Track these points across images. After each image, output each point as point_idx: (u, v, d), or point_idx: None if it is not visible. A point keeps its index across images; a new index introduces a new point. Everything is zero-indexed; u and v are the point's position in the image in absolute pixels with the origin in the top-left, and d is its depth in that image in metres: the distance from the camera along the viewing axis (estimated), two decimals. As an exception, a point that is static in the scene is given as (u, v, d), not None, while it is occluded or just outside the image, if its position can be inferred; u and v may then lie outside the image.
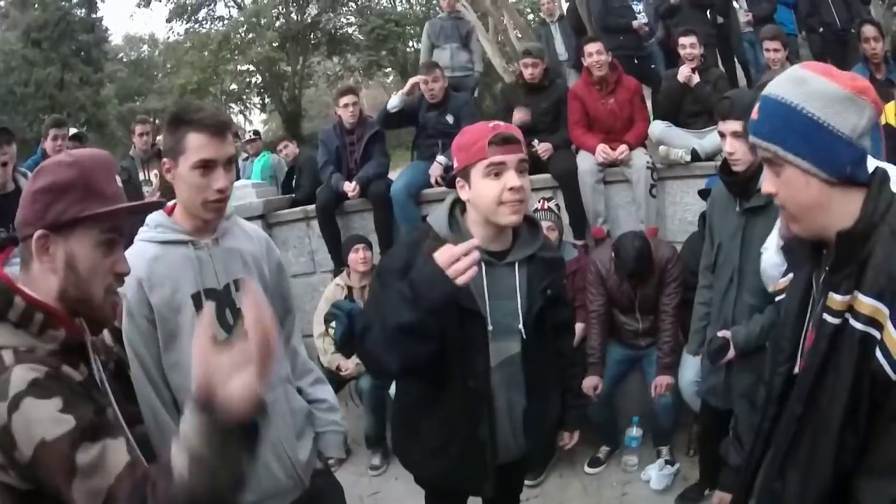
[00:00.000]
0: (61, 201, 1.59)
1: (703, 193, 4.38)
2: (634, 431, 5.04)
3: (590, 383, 4.76)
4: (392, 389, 5.12)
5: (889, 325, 1.46)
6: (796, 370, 1.74)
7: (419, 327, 2.25)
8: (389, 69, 33.19)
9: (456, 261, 2.17)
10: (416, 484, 2.99)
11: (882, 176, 1.60)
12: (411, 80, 6.41)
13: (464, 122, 6.11)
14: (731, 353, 3.60)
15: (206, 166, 2.25)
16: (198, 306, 2.29)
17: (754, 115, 1.65)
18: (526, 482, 4.70)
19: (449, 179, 2.75)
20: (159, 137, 7.46)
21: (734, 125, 3.33)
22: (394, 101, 6.40)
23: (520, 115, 6.11)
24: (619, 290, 4.79)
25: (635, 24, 8.15)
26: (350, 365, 5.34)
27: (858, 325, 1.53)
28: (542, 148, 6.02)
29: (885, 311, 1.47)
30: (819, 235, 1.65)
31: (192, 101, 3.50)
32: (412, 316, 2.23)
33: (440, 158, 6.16)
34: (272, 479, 2.42)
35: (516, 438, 2.68)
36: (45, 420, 1.41)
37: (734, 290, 3.66)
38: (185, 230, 2.34)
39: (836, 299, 1.59)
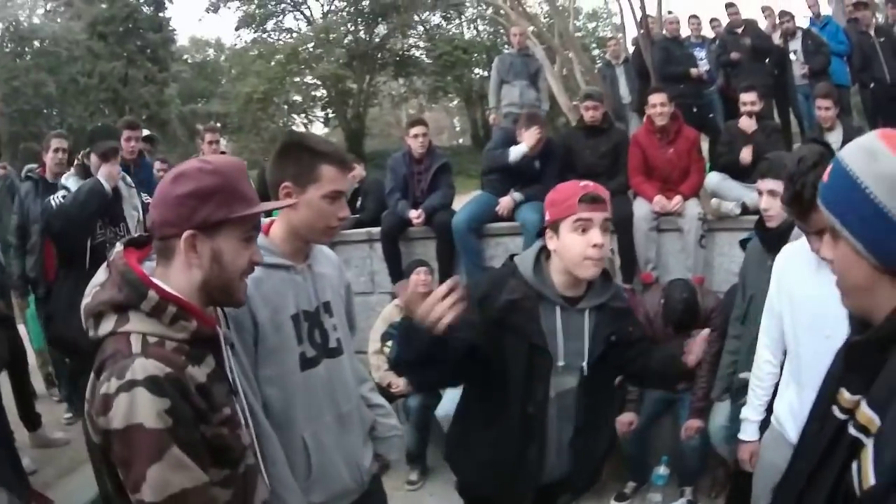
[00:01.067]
0: (208, 205, 1.77)
1: (744, 243, 4.46)
2: (662, 470, 5.19)
3: (626, 419, 4.99)
4: (438, 410, 5.39)
5: (870, 443, 1.41)
6: None
7: (421, 361, 2.43)
8: (453, 94, 33.49)
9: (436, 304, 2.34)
10: (448, 500, 3.26)
11: None
12: (535, 136, 6.31)
13: (549, 167, 6.42)
14: None
15: (335, 197, 2.46)
16: (296, 326, 2.49)
17: (825, 177, 1.54)
18: None
19: (539, 231, 2.88)
20: (224, 144, 7.82)
21: (771, 184, 3.51)
22: (516, 155, 6.40)
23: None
24: (663, 334, 4.97)
25: (694, 71, 8.33)
26: (401, 383, 5.59)
27: (852, 431, 1.48)
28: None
29: (877, 422, 1.41)
30: (865, 316, 1.55)
31: (310, 134, 3.60)
32: (411, 353, 2.43)
33: (515, 194, 6.36)
34: (341, 483, 2.63)
35: (560, 463, 2.90)
36: (149, 410, 1.61)
37: None
38: (284, 253, 2.54)
39: (846, 396, 1.55)
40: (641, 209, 6.00)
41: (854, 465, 1.42)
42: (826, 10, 9.98)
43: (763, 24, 9.77)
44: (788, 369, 3.12)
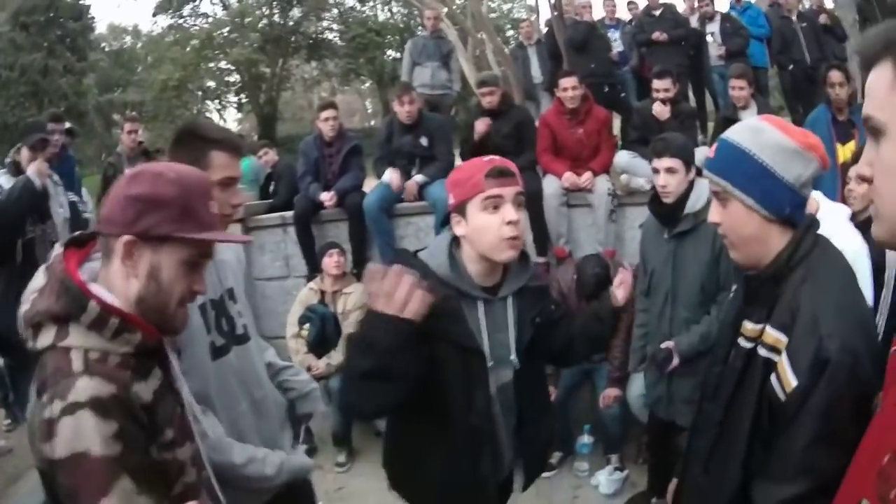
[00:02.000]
0: (156, 215, 1.63)
1: None
2: (585, 439, 5.32)
3: (543, 393, 5.05)
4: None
5: (784, 354, 1.67)
6: None
7: (379, 372, 2.10)
8: (366, 77, 33.35)
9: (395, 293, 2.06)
10: (378, 480, 2.99)
11: (809, 223, 1.83)
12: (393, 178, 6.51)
13: (438, 143, 6.50)
14: (676, 361, 3.93)
15: (227, 184, 2.38)
16: (203, 316, 2.43)
17: (711, 153, 1.89)
18: None
19: (444, 217, 2.59)
20: (140, 133, 7.69)
21: (669, 162, 3.80)
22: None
23: (480, 126, 6.42)
24: (578, 308, 5.03)
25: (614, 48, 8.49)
26: (321, 365, 5.60)
27: (763, 352, 1.76)
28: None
29: (785, 340, 1.69)
30: (754, 265, 1.86)
31: (204, 120, 3.49)
32: (369, 362, 2.09)
33: (417, 177, 6.44)
34: (298, 463, 2.64)
35: (511, 460, 2.75)
36: (95, 437, 1.46)
37: (669, 308, 4.01)
38: None
39: (749, 327, 1.85)
40: (551, 186, 6.10)
41: (773, 378, 1.67)
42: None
43: (681, 8, 9.94)
44: None
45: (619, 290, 2.77)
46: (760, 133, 1.82)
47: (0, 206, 4.77)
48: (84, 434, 1.46)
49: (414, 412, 2.45)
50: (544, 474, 5.16)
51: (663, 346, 4.00)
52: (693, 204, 3.83)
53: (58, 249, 1.70)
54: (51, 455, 1.47)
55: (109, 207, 1.66)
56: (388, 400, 2.24)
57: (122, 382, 1.56)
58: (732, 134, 1.86)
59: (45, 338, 1.59)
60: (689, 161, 3.88)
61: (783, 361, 1.66)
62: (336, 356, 5.60)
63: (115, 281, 1.66)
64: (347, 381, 2.32)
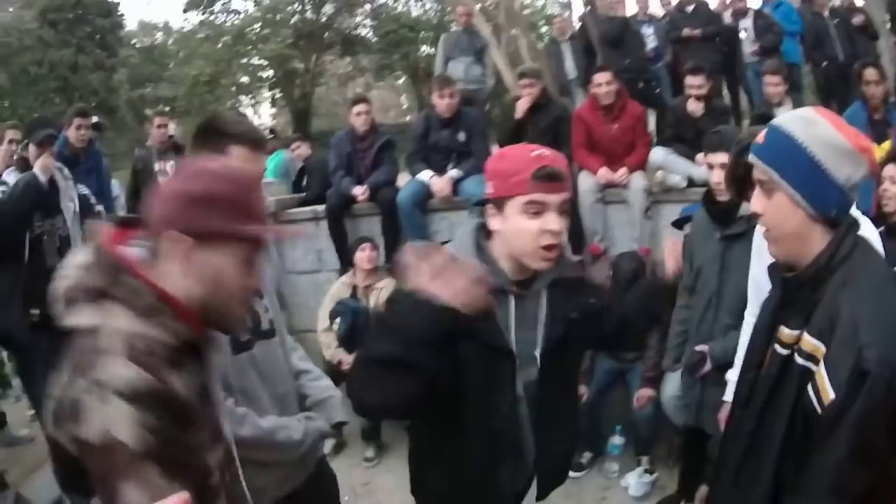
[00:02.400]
0: (216, 213, 1.53)
1: (679, 223, 4.57)
2: (616, 439, 5.23)
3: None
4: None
5: (822, 364, 1.61)
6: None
7: (400, 362, 1.88)
8: (400, 72, 33.34)
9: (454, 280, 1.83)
10: (406, 476, 2.72)
11: (850, 223, 1.77)
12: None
13: (475, 138, 6.45)
14: (708, 366, 3.84)
15: None
16: None
17: (759, 139, 1.81)
18: None
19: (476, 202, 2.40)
20: (173, 128, 7.72)
21: (722, 157, 3.53)
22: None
23: (523, 104, 6.39)
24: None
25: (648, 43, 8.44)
26: (351, 360, 5.50)
27: (800, 361, 1.70)
28: None
29: (823, 349, 1.63)
30: (792, 262, 1.81)
31: (228, 113, 3.43)
32: (392, 348, 1.88)
33: (452, 172, 6.38)
34: (319, 427, 2.66)
35: (532, 467, 2.48)
36: (129, 426, 1.37)
37: (712, 311, 3.89)
38: None
39: (785, 333, 1.79)
40: (586, 182, 6.04)
41: (810, 388, 1.63)
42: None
43: (713, 4, 9.82)
44: (745, 338, 3.08)
45: (669, 261, 2.59)
46: (814, 126, 1.74)
47: (1, 205, 4.77)
48: (117, 423, 1.37)
49: (429, 414, 2.26)
50: (573, 474, 5.12)
51: (698, 348, 3.91)
52: (749, 206, 3.68)
53: (107, 228, 1.62)
54: (82, 436, 1.38)
55: (165, 206, 1.56)
56: (398, 398, 1.99)
57: (162, 373, 1.46)
58: (784, 122, 1.78)
59: (83, 316, 1.49)
60: None
61: (821, 372, 1.61)
62: None
63: (170, 278, 1.55)
64: (359, 365, 2.05)
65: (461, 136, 6.51)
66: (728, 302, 3.78)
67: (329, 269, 6.66)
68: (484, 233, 2.28)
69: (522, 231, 2.10)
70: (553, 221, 2.09)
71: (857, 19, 8.75)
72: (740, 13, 9.16)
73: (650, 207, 5.92)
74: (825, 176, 1.70)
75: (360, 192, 6.43)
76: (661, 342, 4.77)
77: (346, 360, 5.54)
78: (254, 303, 2.43)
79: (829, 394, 1.57)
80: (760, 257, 3.00)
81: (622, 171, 5.97)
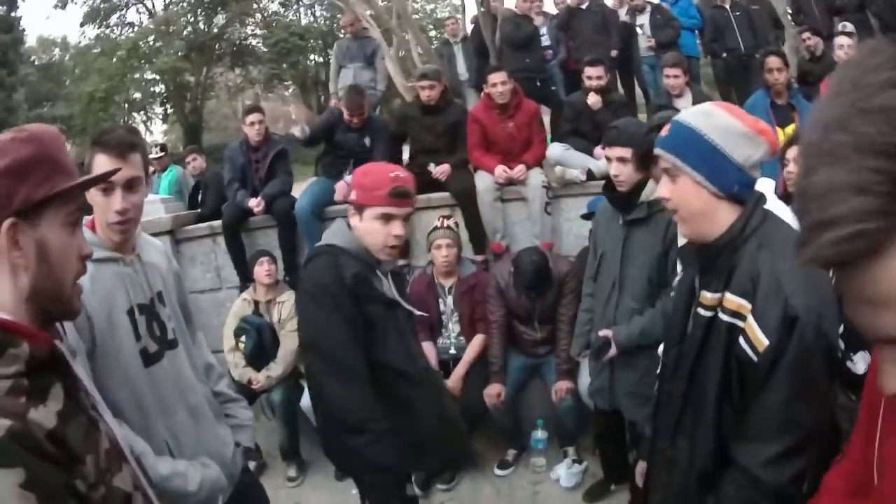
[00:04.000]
0: (28, 181, 1.37)
1: (587, 217, 4.67)
2: (539, 434, 5.22)
3: (493, 391, 4.98)
4: (303, 402, 5.25)
5: (750, 317, 1.78)
6: None
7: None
8: (289, 82, 33.03)
9: None
10: (332, 492, 3.04)
11: (757, 198, 1.95)
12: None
13: (378, 144, 6.38)
14: (613, 350, 3.85)
15: (105, 189, 2.33)
16: (132, 322, 2.38)
17: (664, 132, 1.99)
18: (439, 486, 4.99)
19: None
20: (69, 148, 7.40)
21: (620, 151, 3.67)
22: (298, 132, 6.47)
23: (593, 99, 6.30)
24: (517, 302, 5.00)
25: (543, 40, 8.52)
26: (261, 378, 5.40)
27: (725, 318, 1.86)
28: (439, 171, 6.17)
29: (748, 305, 1.80)
30: (702, 239, 1.97)
31: (108, 127, 3.41)
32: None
33: (349, 178, 6.22)
34: (214, 477, 2.52)
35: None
36: (4, 496, 1.16)
37: (616, 295, 3.92)
38: (110, 247, 2.40)
39: (707, 296, 1.95)
40: (483, 181, 6.02)
41: (742, 340, 1.79)
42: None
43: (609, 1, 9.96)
44: None
45: None
46: (711, 116, 1.94)
47: None
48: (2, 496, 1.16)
49: (377, 374, 2.79)
50: (500, 472, 5.22)
51: (601, 333, 3.92)
52: (649, 193, 3.72)
53: None
54: None
55: None
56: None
57: (16, 412, 1.24)
58: (685, 116, 1.99)
59: None
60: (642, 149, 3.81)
61: (751, 323, 1.78)
62: (276, 367, 5.43)
63: None
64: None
65: (367, 141, 6.45)
66: (631, 286, 3.84)
67: (229, 286, 6.47)
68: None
69: (375, 232, 2.78)
70: (398, 228, 2.79)
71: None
72: (637, 9, 9.31)
73: (550, 203, 5.92)
74: (723, 157, 1.89)
75: (255, 203, 6.28)
76: (570, 333, 4.79)
77: (256, 377, 5.40)
78: (159, 311, 2.50)
79: (763, 341, 1.74)
80: None
81: (519, 167, 5.97)
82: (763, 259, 1.83)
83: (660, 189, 2.01)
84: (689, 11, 9.43)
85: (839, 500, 1.39)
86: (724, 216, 1.93)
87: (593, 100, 6.22)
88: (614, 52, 8.88)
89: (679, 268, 2.61)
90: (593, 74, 6.28)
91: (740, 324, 1.81)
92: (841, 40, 6.84)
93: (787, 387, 1.71)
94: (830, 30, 8.24)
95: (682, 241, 3.30)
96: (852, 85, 0.84)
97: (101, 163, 2.32)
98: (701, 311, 1.97)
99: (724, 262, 1.92)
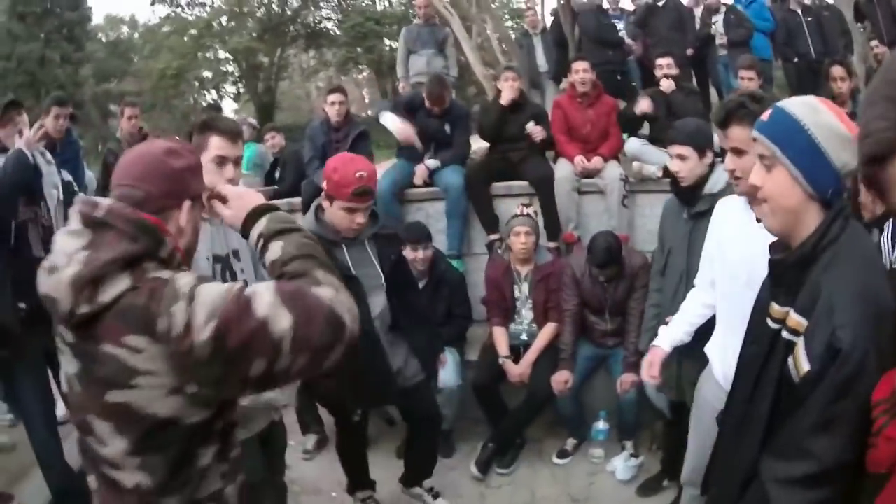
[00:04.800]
0: (196, 178, 1.92)
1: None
2: (601, 425, 5.24)
3: (561, 377, 5.01)
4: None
5: (801, 338, 1.73)
6: None
7: None
8: (364, 66, 33.16)
9: None
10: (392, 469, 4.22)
11: (841, 207, 1.84)
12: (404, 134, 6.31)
13: (458, 130, 6.48)
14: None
15: (220, 162, 2.91)
16: (211, 268, 2.92)
17: (765, 117, 1.91)
18: (497, 470, 5.07)
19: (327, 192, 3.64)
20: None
21: (679, 149, 3.81)
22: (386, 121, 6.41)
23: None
24: (591, 292, 5.04)
25: (627, 41, 8.46)
26: None
27: (786, 335, 1.81)
28: (537, 131, 6.23)
29: (804, 323, 1.75)
30: (785, 235, 1.91)
31: (215, 114, 4.34)
32: None
33: (429, 162, 6.38)
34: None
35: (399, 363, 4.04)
36: (217, 292, 1.62)
37: (683, 288, 3.90)
38: None
39: (775, 309, 1.89)
40: (562, 170, 6.09)
41: (790, 360, 1.74)
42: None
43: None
44: (718, 312, 3.22)
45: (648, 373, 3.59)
46: (817, 112, 1.84)
47: None
48: (210, 297, 1.61)
49: None
50: (559, 461, 5.26)
51: (668, 319, 3.90)
52: (712, 185, 3.79)
53: (109, 201, 1.76)
54: (201, 341, 1.56)
55: (159, 184, 1.81)
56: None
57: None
58: (789, 104, 1.88)
59: (117, 286, 1.62)
60: (701, 146, 3.83)
61: (799, 345, 1.72)
62: None
63: (180, 238, 1.89)
64: None
65: (447, 128, 6.52)
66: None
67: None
68: (321, 207, 3.72)
69: (341, 218, 3.60)
70: (360, 217, 3.60)
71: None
72: (713, 9, 9.23)
73: (627, 196, 5.94)
74: (824, 158, 1.79)
75: None
76: (639, 327, 4.83)
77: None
78: (232, 264, 3.06)
79: (804, 365, 1.68)
80: (713, 231, 3.26)
81: (597, 158, 6.03)
82: (826, 279, 1.75)
83: (753, 176, 1.93)
84: (763, 14, 9.29)
85: None
86: (811, 219, 1.84)
87: (665, 84, 6.28)
88: (690, 51, 8.84)
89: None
90: (663, 63, 6.41)
91: (796, 341, 1.76)
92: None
93: (813, 416, 1.66)
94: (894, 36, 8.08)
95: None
96: (888, 64, 1.23)
97: (216, 143, 2.90)
98: (770, 322, 1.92)
99: (794, 277, 1.85)
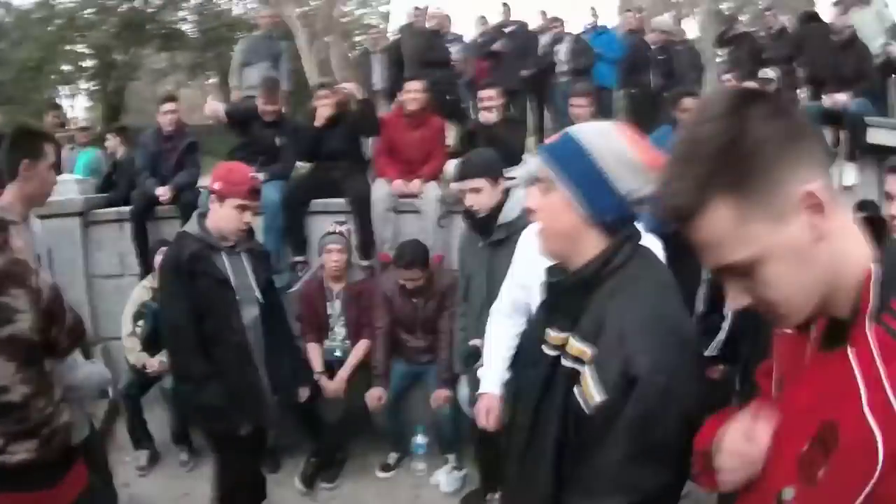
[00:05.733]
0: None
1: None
2: (419, 439, 5.26)
3: (374, 394, 5.03)
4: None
5: (587, 367, 1.61)
6: None
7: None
8: (212, 72, 32.16)
9: None
10: None
11: (628, 234, 1.75)
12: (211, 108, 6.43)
13: (287, 146, 6.44)
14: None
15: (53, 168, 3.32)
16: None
17: (555, 138, 1.81)
18: (322, 485, 5.02)
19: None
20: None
21: (472, 183, 3.88)
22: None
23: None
24: (403, 311, 5.08)
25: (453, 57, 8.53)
26: (155, 363, 5.25)
27: (567, 363, 1.68)
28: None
29: (590, 352, 1.62)
30: (561, 259, 1.80)
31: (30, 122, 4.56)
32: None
33: (258, 176, 6.23)
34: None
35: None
36: None
37: (486, 313, 3.97)
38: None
39: (552, 335, 1.77)
40: (380, 190, 6.07)
41: (576, 390, 1.63)
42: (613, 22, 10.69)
43: (533, 26, 10.10)
44: None
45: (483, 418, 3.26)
46: (605, 136, 1.74)
47: None
48: None
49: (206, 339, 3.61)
50: (381, 474, 5.26)
51: (471, 342, 4.01)
52: (507, 213, 3.87)
53: None
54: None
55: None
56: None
57: None
58: (579, 129, 1.78)
59: None
60: (494, 175, 3.91)
61: (586, 374, 1.61)
62: None
63: None
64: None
65: (277, 141, 6.44)
66: None
67: (132, 273, 6.31)
68: (202, 216, 3.72)
69: (232, 219, 3.61)
70: (248, 217, 3.66)
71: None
72: (558, 38, 9.45)
73: (443, 217, 5.97)
74: (605, 182, 1.68)
75: (163, 192, 6.21)
76: (450, 345, 4.90)
77: (150, 362, 5.28)
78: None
79: (595, 396, 1.58)
80: (524, 257, 3.21)
81: (416, 182, 6.05)
82: (612, 307, 1.64)
83: (528, 200, 1.89)
84: (613, 45, 9.63)
85: None
86: (590, 245, 1.72)
87: (486, 116, 6.31)
88: (525, 72, 9.03)
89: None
90: (485, 96, 6.41)
91: (580, 370, 1.64)
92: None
93: (623, 448, 1.55)
94: (755, 77, 8.43)
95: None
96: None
97: (50, 150, 3.33)
98: (546, 349, 1.79)
99: (573, 303, 1.73)
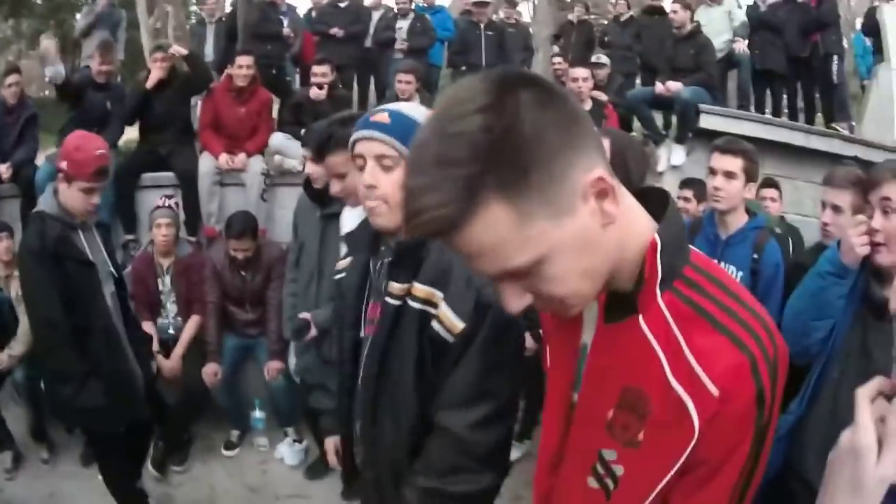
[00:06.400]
0: None
1: None
2: (258, 414, 5.24)
3: (210, 370, 4.94)
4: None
5: (443, 304, 1.81)
6: (362, 334, 2.08)
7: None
8: (52, 40, 30.45)
9: None
10: (84, 480, 4.02)
11: None
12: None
13: (115, 111, 6.24)
14: (313, 332, 3.91)
15: None
16: None
17: (385, 119, 1.85)
18: (173, 468, 4.92)
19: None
20: None
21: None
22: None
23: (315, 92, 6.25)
24: (231, 284, 5.02)
25: (286, 31, 8.34)
26: (3, 358, 4.86)
27: (416, 305, 1.86)
28: None
29: (440, 294, 1.82)
30: (393, 230, 1.88)
31: None
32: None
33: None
34: None
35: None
36: None
37: (315, 283, 4.06)
38: None
39: (396, 287, 1.90)
40: (206, 165, 5.98)
41: (436, 324, 1.82)
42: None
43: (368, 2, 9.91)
44: None
45: None
46: (424, 113, 1.83)
47: None
48: None
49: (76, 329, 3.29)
50: (227, 452, 5.23)
51: (301, 315, 4.00)
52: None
53: None
54: None
55: None
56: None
57: None
58: (404, 108, 1.90)
59: None
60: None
61: (444, 310, 1.81)
62: (16, 346, 4.87)
63: None
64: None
65: (109, 105, 6.24)
66: (329, 274, 3.83)
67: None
68: (56, 191, 3.36)
69: (77, 200, 3.29)
70: (96, 198, 3.34)
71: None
72: (399, 14, 9.19)
73: (266, 190, 5.93)
74: None
75: (3, 169, 5.87)
76: (278, 315, 4.88)
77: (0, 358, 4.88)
78: None
79: (458, 324, 1.78)
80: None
81: (241, 156, 5.98)
82: (452, 254, 1.68)
83: (366, 177, 1.86)
84: (446, 24, 9.52)
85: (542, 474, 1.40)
86: None
87: (315, 93, 6.24)
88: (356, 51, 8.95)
89: (344, 252, 2.46)
90: (318, 72, 6.30)
91: (432, 311, 1.82)
92: (577, 72, 6.72)
93: (480, 362, 1.77)
94: (587, 62, 8.47)
95: (347, 228, 3.31)
96: (443, 112, 0.98)
97: None
98: (389, 300, 1.91)
99: (414, 257, 1.88)
